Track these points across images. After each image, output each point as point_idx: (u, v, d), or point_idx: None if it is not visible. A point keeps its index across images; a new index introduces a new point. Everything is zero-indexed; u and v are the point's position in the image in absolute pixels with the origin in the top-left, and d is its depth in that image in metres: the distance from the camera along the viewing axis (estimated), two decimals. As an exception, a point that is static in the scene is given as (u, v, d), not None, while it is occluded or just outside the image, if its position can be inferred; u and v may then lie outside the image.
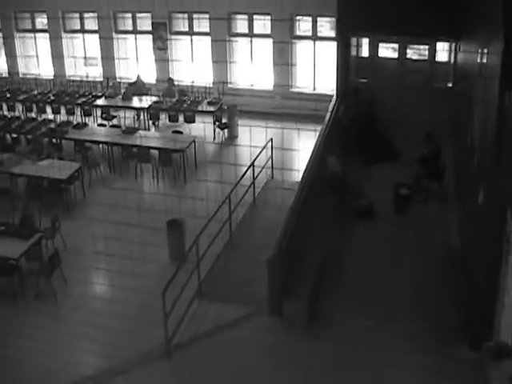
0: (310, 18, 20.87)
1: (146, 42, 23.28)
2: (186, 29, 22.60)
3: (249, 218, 14.10)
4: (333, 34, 20.38)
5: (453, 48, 17.06)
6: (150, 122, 20.69)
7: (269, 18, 21.10)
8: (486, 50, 10.39)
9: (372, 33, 17.32)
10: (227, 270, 12.10)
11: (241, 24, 21.88)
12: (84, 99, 21.72)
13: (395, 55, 18.15)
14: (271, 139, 16.05)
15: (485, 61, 10.43)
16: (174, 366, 9.82)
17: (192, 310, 10.81)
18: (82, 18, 24.23)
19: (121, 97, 21.46)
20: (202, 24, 22.40)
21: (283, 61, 20.93)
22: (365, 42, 18.19)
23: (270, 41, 21.35)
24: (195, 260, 11.35)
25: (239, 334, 10.34)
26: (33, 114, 21.57)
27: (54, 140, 18.33)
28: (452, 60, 17.19)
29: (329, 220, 12.79)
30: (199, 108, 20.11)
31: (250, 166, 14.56)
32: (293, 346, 9.98)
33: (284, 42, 20.76)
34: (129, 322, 10.78)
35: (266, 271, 10.47)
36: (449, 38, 16.80)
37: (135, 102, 21.18)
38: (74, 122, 19.88)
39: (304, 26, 21.26)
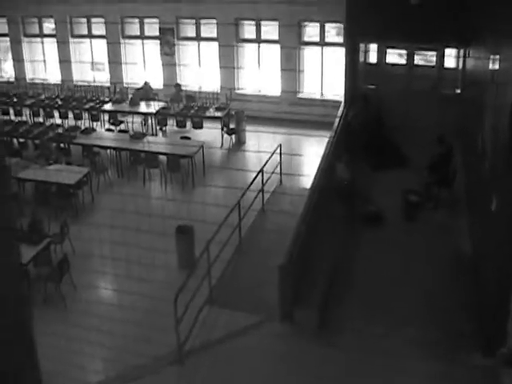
0: (317, 24, 20.85)
1: (154, 47, 23.31)
2: (194, 34, 22.62)
3: (258, 224, 14.08)
4: (339, 39, 20.43)
5: (461, 54, 17.04)
6: (158, 128, 20.69)
7: (276, 23, 21.10)
8: (497, 57, 10.38)
9: (380, 39, 17.32)
10: (237, 276, 12.08)
11: (248, 30, 21.89)
12: (91, 104, 21.75)
13: (403, 61, 18.16)
14: (280, 145, 16.04)
15: (496, 67, 10.42)
16: (187, 373, 9.80)
17: (203, 317, 10.80)
18: (89, 23, 24.27)
19: (128, 102, 21.48)
20: (210, 30, 22.41)
21: (291, 67, 20.92)
22: (373, 47, 18.19)
23: (277, 47, 21.35)
24: (204, 266, 11.34)
25: (250, 340, 10.32)
26: (40, 119, 21.62)
27: (61, 145, 18.36)
28: (460, 66, 17.18)
29: (338, 226, 12.76)
30: (207, 114, 20.11)
31: (259, 172, 14.55)
32: (304, 353, 9.96)
33: (291, 48, 20.75)
34: (138, 327, 10.74)
35: (276, 277, 10.46)
36: (457, 45, 16.79)
37: (143, 107, 21.20)
38: (82, 127, 19.90)
39: (311, 31, 21.27)
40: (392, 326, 10.35)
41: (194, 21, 22.38)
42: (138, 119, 21.44)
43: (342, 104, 17.47)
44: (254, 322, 10.70)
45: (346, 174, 13.78)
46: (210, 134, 19.36)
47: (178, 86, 22.00)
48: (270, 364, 9.81)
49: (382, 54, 18.01)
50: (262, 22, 21.53)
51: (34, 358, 1.28)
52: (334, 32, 21.29)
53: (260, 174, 14.63)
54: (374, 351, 9.86)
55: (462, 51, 16.98)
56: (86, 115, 21.36)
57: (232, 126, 19.95)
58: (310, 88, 21.50)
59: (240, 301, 11.24)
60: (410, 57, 17.76)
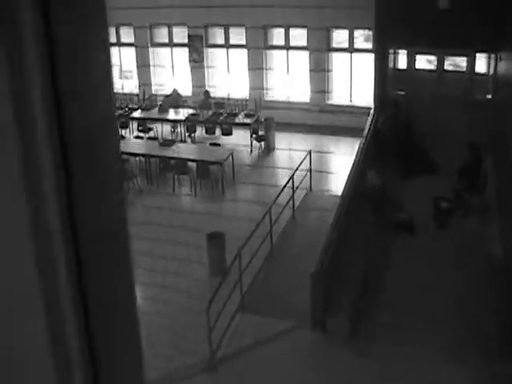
0: (346, 31, 20.82)
1: (182, 54, 23.42)
2: (222, 41, 22.72)
3: (289, 231, 14.08)
4: (367, 45, 20.39)
5: (492, 59, 16.91)
6: (187, 135, 20.77)
7: (305, 30, 21.12)
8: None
9: (409, 44, 17.25)
10: (268, 282, 12.10)
11: (277, 36, 21.92)
12: (120, 112, 21.90)
13: (432, 67, 18.06)
14: (309, 152, 16.04)
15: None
16: (220, 380, 9.83)
17: (235, 324, 10.82)
18: (117, 31, 24.46)
19: (157, 109, 21.60)
20: (238, 36, 22.47)
21: (319, 73, 20.92)
22: (402, 53, 18.12)
23: (306, 53, 21.36)
24: (235, 273, 11.37)
25: (282, 347, 10.32)
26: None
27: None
28: (491, 71, 17.04)
29: (369, 233, 12.73)
30: (236, 120, 20.17)
31: (289, 179, 14.55)
32: (335, 361, 9.95)
33: (319, 52, 20.77)
34: (170, 334, 10.81)
35: (307, 284, 10.47)
36: (488, 49, 16.66)
37: (172, 114, 21.31)
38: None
39: (339, 38, 21.25)
40: (424, 333, 10.30)
41: (222, 28, 22.46)
42: (167, 126, 21.54)
43: (372, 110, 17.40)
44: (285, 329, 10.71)
45: (376, 181, 13.74)
46: (240, 140, 19.41)
47: (207, 92, 22.10)
48: (301, 371, 9.82)
49: (411, 60, 17.93)
50: (291, 29, 21.54)
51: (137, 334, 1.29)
52: (361, 38, 21.25)
53: (290, 181, 14.64)
54: (405, 358, 9.82)
55: (493, 55, 16.84)
56: (115, 122, 21.46)
57: (261, 132, 19.97)
58: (338, 94, 21.46)
59: (271, 307, 11.25)
60: (440, 62, 17.67)
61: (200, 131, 20.54)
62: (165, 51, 23.89)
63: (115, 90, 24.23)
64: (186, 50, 23.07)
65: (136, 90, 24.15)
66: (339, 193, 13.72)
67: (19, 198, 1.09)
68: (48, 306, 1.16)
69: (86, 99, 1.16)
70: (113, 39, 24.63)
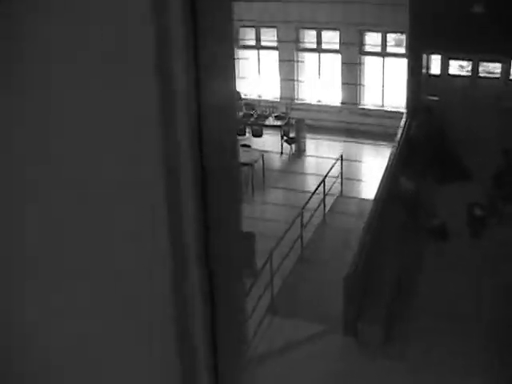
0: (378, 34, 20.73)
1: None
2: (253, 43, 22.69)
3: (320, 234, 14.03)
4: (398, 50, 20.28)
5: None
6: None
7: (337, 33, 21.04)
8: None
9: (443, 50, 17.12)
10: (299, 286, 12.05)
11: (309, 39, 21.85)
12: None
13: (465, 72, 17.94)
14: (341, 155, 15.97)
15: None
16: (248, 383, 9.78)
17: (264, 326, 10.78)
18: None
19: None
20: (270, 38, 22.44)
21: (351, 76, 20.83)
22: (435, 58, 18.00)
23: (338, 56, 21.27)
24: (266, 275, 11.34)
25: (312, 351, 10.27)
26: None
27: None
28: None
29: (402, 238, 12.64)
30: (266, 122, 20.14)
31: (320, 183, 14.50)
32: (368, 367, 9.87)
33: (352, 56, 20.69)
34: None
35: (338, 287, 10.41)
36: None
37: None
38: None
39: (371, 41, 21.15)
40: (456, 340, 10.21)
41: (254, 29, 22.44)
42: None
43: (404, 115, 17.29)
44: (315, 333, 10.65)
45: (410, 186, 13.64)
46: (270, 142, 19.38)
47: (238, 93, 22.08)
48: (332, 376, 9.75)
49: (444, 65, 17.81)
50: (323, 31, 21.48)
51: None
52: (393, 42, 21.13)
53: (321, 184, 14.59)
54: (439, 364, 9.74)
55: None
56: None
57: (292, 134, 19.91)
58: (370, 98, 21.35)
59: (302, 310, 11.20)
60: (474, 68, 17.52)
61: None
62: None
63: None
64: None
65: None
66: (370, 197, 13.65)
67: (157, 171, 1.23)
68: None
69: (219, 77, 1.33)
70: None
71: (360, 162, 18.70)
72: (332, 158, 16.61)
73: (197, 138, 1.25)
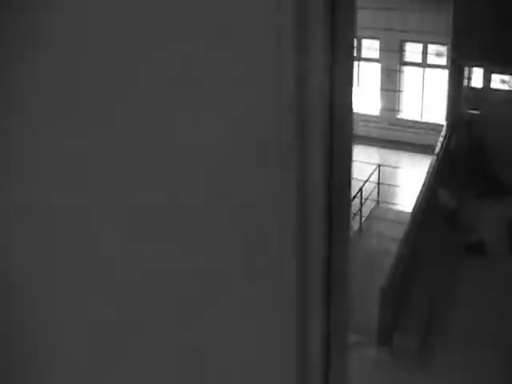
0: (419, 45, 20.63)
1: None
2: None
3: (356, 244, 13.96)
4: (439, 61, 20.15)
5: None
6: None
7: (377, 42, 20.97)
8: None
9: (486, 63, 16.95)
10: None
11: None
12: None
13: (507, 87, 17.77)
14: (378, 165, 15.90)
15: None
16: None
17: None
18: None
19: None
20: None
21: (391, 87, 20.73)
22: (477, 71, 17.85)
23: (377, 65, 21.20)
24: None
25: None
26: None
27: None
28: None
29: (439, 253, 12.54)
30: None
31: (357, 193, 14.45)
32: (403, 379, 9.81)
33: (391, 66, 20.61)
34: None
35: (374, 297, 10.35)
36: None
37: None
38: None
39: (411, 52, 21.04)
40: (491, 357, 10.10)
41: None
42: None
43: (444, 128, 17.15)
44: (350, 343, 10.58)
45: (449, 200, 13.54)
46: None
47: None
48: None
49: (486, 79, 17.65)
50: (363, 41, 21.43)
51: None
52: (433, 53, 21.00)
53: (358, 195, 14.55)
54: (476, 380, 9.65)
55: None
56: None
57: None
58: (409, 109, 21.21)
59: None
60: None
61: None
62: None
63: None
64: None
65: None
66: (407, 208, 13.56)
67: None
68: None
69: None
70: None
71: (397, 172, 18.57)
72: (370, 163, 16.54)
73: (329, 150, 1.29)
